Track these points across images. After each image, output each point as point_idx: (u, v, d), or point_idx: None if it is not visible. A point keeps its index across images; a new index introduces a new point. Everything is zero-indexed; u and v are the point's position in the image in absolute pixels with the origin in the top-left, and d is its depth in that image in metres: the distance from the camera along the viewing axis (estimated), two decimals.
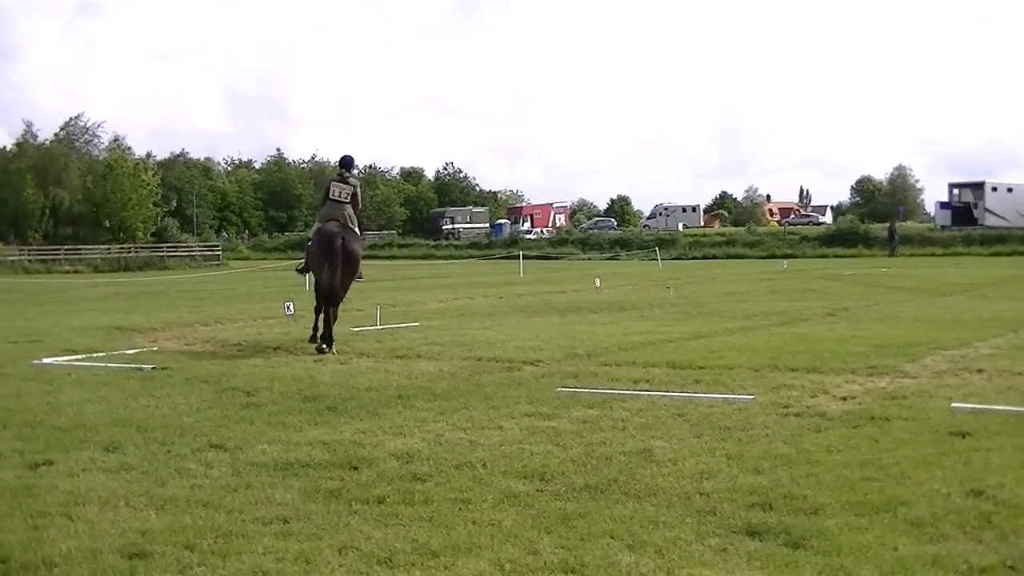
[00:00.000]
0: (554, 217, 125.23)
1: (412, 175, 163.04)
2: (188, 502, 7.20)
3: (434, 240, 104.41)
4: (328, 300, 16.68)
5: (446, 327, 19.91)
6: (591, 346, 15.96)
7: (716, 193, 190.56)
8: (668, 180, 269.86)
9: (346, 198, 17.09)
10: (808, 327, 19.06)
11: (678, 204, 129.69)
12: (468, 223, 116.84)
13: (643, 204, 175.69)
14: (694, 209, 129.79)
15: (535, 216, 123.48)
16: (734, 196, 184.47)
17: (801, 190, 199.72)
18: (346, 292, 17.21)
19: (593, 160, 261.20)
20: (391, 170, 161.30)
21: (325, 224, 17.11)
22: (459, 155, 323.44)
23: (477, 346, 16.21)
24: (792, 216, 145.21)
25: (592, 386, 12.04)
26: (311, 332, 17.13)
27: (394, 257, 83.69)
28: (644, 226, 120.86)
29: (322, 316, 16.87)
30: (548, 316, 22.75)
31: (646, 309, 24.27)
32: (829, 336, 17.03)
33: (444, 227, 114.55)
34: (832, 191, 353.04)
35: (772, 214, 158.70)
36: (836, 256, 68.69)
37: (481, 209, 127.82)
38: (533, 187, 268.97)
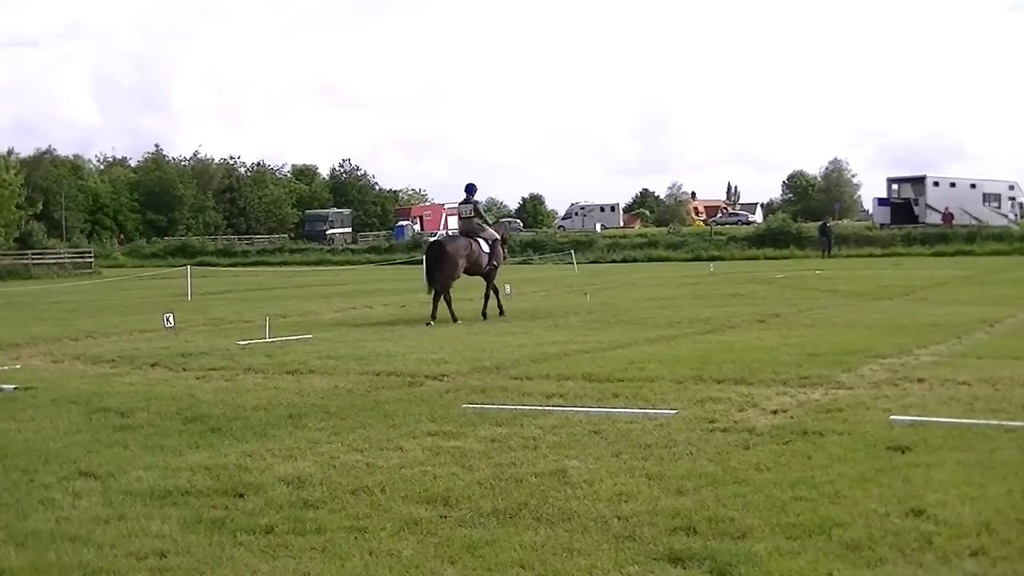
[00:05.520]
0: (446, 219, 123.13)
1: (305, 173, 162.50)
2: (53, 536, 7.08)
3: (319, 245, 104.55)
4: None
5: (342, 339, 19.88)
6: (500, 358, 15.97)
7: (637, 191, 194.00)
8: (585, 177, 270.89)
9: (469, 215, 25.82)
10: (736, 335, 19.20)
11: (595, 203, 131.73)
12: (338, 227, 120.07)
13: (558, 203, 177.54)
14: (613, 208, 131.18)
15: (425, 218, 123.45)
16: (656, 194, 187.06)
17: (729, 187, 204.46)
18: (447, 280, 24.64)
19: (504, 155, 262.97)
20: (282, 168, 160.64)
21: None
22: (357, 151, 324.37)
23: (376, 359, 16.17)
24: (719, 215, 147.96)
25: (501, 402, 12.03)
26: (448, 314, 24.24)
27: (285, 263, 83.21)
28: (559, 227, 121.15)
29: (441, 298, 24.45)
30: (454, 326, 22.87)
31: (560, 317, 24.39)
32: (758, 344, 17.14)
33: (329, 231, 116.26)
34: (762, 187, 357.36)
35: (698, 213, 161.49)
36: (767, 258, 69.47)
37: (345, 212, 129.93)
38: (438, 185, 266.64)
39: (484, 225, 26.10)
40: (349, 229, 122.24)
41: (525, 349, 17.19)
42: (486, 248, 25.50)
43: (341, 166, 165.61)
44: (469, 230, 25.72)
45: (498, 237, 26.34)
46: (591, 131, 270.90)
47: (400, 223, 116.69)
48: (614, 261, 73.45)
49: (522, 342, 18.44)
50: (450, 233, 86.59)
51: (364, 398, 12.58)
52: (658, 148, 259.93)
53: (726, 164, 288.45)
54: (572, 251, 68.46)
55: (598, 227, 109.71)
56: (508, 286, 29.28)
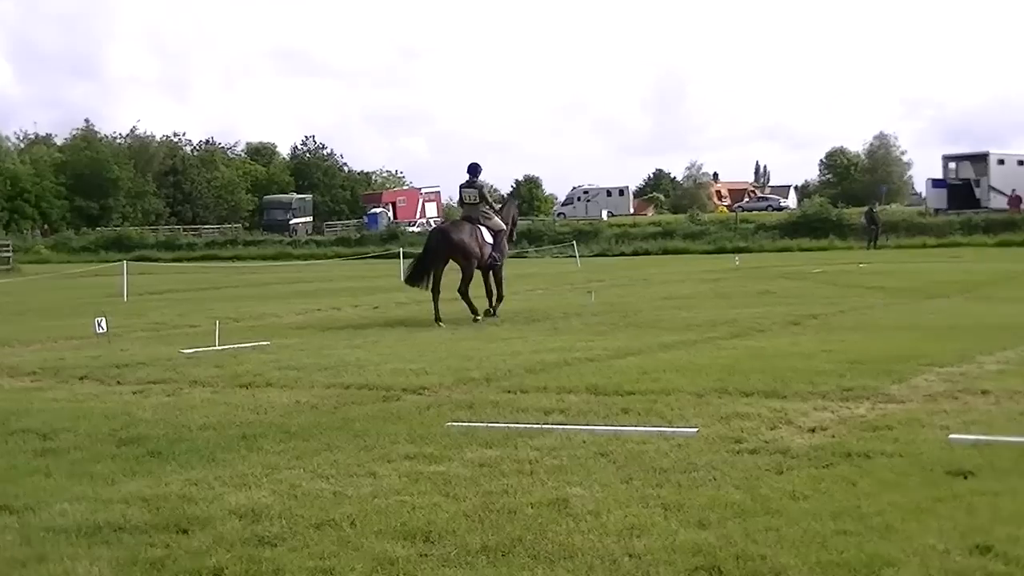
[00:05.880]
0: (423, 206, 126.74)
1: (262, 153, 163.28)
2: None
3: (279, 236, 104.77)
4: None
5: (305, 346, 19.89)
6: (490, 368, 15.92)
7: (650, 172, 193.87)
8: (589, 156, 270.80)
9: (474, 200, 26.27)
10: (766, 339, 19.11)
11: (602, 186, 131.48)
12: (301, 215, 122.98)
13: (557, 187, 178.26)
14: (622, 192, 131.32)
15: (398, 205, 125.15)
16: (672, 175, 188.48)
17: (757, 167, 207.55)
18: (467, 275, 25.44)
19: (494, 131, 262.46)
20: (234, 146, 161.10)
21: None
22: (322, 126, 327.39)
23: (345, 370, 16.13)
24: (746, 199, 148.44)
25: (491, 419, 11.97)
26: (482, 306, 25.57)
27: (238, 258, 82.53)
28: (558, 214, 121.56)
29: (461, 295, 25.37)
30: (436, 330, 22.87)
31: (561, 320, 24.37)
32: (793, 351, 17.02)
33: (292, 220, 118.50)
34: (796, 167, 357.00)
35: (720, 197, 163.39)
36: (802, 249, 69.36)
37: (306, 197, 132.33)
38: (418, 165, 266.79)
39: (490, 213, 26.52)
40: (310, 218, 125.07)
41: (520, 357, 17.15)
42: (489, 238, 25.94)
43: (304, 144, 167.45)
44: (473, 218, 26.05)
45: (504, 228, 26.75)
46: (596, 102, 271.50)
47: (373, 210, 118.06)
48: (623, 254, 73.84)
49: (516, 349, 18.40)
50: (439, 222, 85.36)
51: (331, 415, 12.52)
52: (674, 122, 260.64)
53: (754, 140, 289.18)
54: (574, 242, 68.16)
55: (604, 214, 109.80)
56: (592, 294, 29.58)
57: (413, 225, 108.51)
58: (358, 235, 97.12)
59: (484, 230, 25.79)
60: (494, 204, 27.48)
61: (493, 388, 14.22)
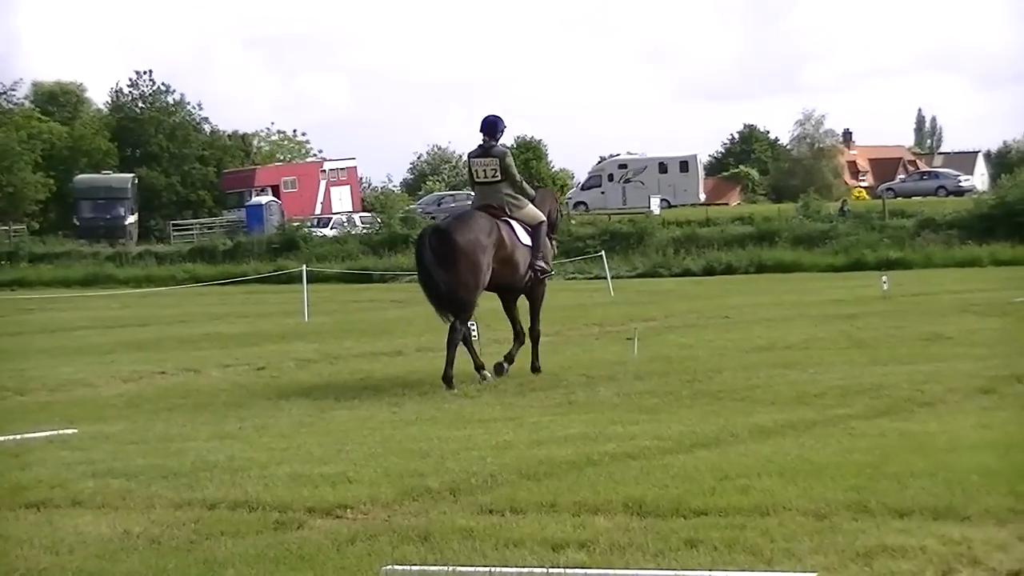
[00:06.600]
0: (327, 190, 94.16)
1: (61, 101, 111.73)
2: None
3: (111, 243, 76.93)
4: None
5: (139, 435, 15.25)
6: (459, 471, 11.83)
7: (734, 130, 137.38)
8: (628, 103, 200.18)
9: (493, 176, 18.88)
10: (936, 419, 14.46)
11: (650, 156, 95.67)
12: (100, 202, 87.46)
13: (573, 158, 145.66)
14: (684, 166, 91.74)
15: (283, 190, 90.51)
16: (772, 136, 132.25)
17: (920, 120, 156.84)
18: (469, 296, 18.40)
19: (462, 66, 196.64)
20: (12, 91, 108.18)
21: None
22: (165, 55, 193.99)
23: (208, 477, 12.08)
24: (901, 176, 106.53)
25: (461, 561, 8.79)
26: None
27: (20, 284, 62.32)
28: (576, 205, 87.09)
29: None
30: (366, 403, 17.57)
31: (581, 387, 18.31)
32: (981, 439, 12.86)
33: (128, 217, 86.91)
34: (987, 120, 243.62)
35: (857, 172, 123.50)
36: (997, 262, 51.61)
37: (124, 177, 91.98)
38: (333, 122, 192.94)
39: (521, 197, 19.24)
40: (135, 215, 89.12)
41: (510, 452, 12.85)
42: (525, 238, 18.95)
43: (133, 85, 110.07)
44: (495, 205, 18.95)
45: (544, 219, 19.63)
46: (636, 17, 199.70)
47: (256, 200, 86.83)
48: (688, 272, 55.32)
49: (505, 438, 13.86)
50: (437, 217, 65.22)
51: (183, 557, 9.27)
52: (772, 46, 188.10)
53: (912, 73, 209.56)
54: (602, 254, 49.09)
55: (655, 204, 79.36)
56: (635, 342, 22.23)
57: (318, 224, 78.34)
58: (229, 243, 72.47)
59: (516, 226, 18.87)
60: (525, 184, 19.68)
61: (464, 506, 10.53)
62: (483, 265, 18.09)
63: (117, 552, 9.43)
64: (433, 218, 67.36)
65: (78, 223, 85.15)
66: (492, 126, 19.11)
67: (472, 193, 20.19)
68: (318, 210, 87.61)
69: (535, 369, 18.92)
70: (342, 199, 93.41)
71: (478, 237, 18.13)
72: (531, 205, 19.19)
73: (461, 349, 18.13)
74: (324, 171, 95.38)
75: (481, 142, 19.05)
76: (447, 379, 17.61)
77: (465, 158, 22.65)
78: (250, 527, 10.07)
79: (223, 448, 13.70)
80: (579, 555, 8.83)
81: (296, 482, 11.54)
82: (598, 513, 9.97)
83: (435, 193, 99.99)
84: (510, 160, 19.18)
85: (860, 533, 9.20)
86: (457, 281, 17.91)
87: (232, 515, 10.45)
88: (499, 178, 18.80)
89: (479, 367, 18.25)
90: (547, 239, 19.59)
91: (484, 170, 18.93)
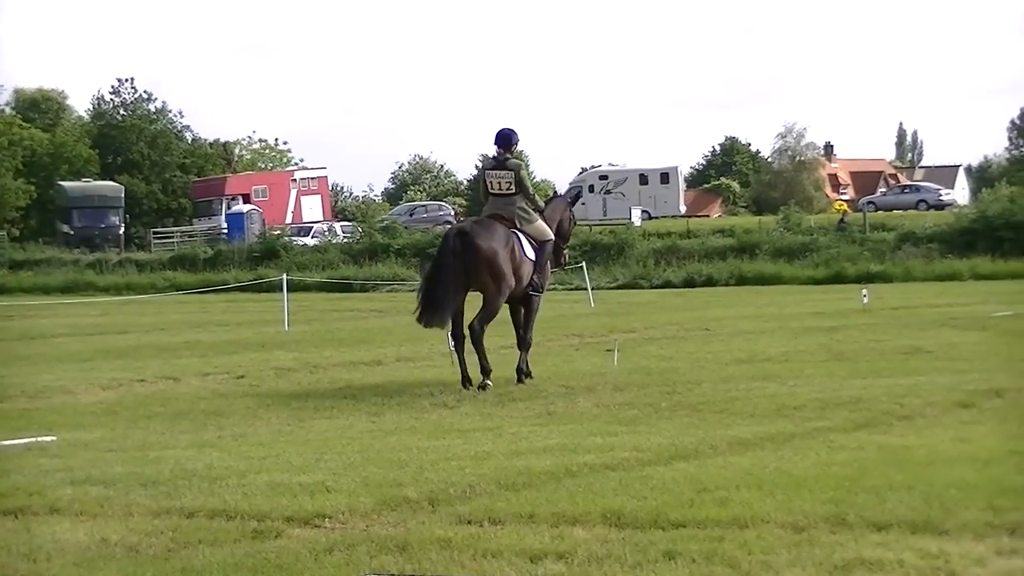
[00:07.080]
0: (298, 199, 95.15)
1: (43, 108, 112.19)
2: None
3: (90, 250, 76.94)
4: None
5: (118, 443, 15.27)
6: (438, 481, 11.90)
7: (714, 143, 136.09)
8: (610, 114, 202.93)
9: (508, 188, 19.31)
10: (914, 433, 14.53)
11: (631, 168, 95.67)
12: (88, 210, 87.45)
13: (554, 168, 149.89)
14: (665, 178, 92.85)
15: (254, 197, 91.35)
16: (753, 148, 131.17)
17: (901, 133, 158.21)
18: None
19: (442, 73, 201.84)
20: None
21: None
22: (148, 63, 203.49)
23: (187, 485, 12.09)
24: (881, 189, 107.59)
25: (439, 570, 9.04)
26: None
27: (2, 289, 62.47)
28: None
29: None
30: (345, 413, 17.60)
31: (560, 398, 18.39)
32: (960, 452, 12.95)
33: (120, 226, 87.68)
34: (968, 134, 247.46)
35: (838, 185, 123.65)
36: (978, 276, 51.86)
37: (113, 186, 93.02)
38: (316, 131, 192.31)
39: (532, 211, 19.55)
40: (118, 221, 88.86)
41: (489, 462, 12.92)
42: (530, 252, 19.32)
43: (115, 93, 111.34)
44: (507, 217, 19.33)
45: (551, 237, 19.91)
46: (619, 29, 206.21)
47: (237, 208, 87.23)
48: (669, 284, 55.80)
49: (484, 448, 13.93)
50: (409, 227, 67.54)
51: (161, 565, 9.30)
52: (754, 59, 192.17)
53: (893, 87, 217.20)
54: (583, 265, 48.71)
55: (636, 215, 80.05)
56: (615, 353, 22.26)
57: (299, 233, 79.31)
58: (209, 251, 72.61)
59: (523, 239, 19.26)
60: (538, 198, 20.11)
61: (442, 516, 10.59)
62: (504, 267, 18.66)
63: (95, 560, 9.47)
64: (406, 227, 72.89)
65: (71, 232, 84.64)
66: (507, 139, 19.43)
67: (486, 202, 20.01)
68: (289, 219, 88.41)
69: (520, 374, 19.09)
70: (312, 208, 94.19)
71: (498, 244, 18.71)
72: (540, 219, 19.52)
73: (466, 350, 18.70)
74: (295, 180, 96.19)
75: (495, 154, 19.48)
76: (485, 372, 18.50)
77: (480, 169, 23.06)
78: (228, 536, 10.16)
79: (202, 457, 13.79)
80: (557, 566, 8.94)
81: (275, 491, 11.61)
82: (576, 524, 10.02)
83: (406, 203, 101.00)
84: (524, 173, 19.56)
85: (838, 546, 9.22)
86: (494, 278, 18.53)
87: (210, 524, 10.54)
88: (514, 191, 19.18)
89: (466, 379, 18.39)
90: (550, 259, 20.01)
91: (499, 182, 19.27)
